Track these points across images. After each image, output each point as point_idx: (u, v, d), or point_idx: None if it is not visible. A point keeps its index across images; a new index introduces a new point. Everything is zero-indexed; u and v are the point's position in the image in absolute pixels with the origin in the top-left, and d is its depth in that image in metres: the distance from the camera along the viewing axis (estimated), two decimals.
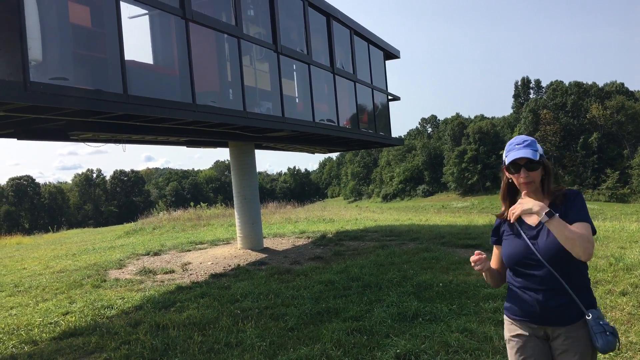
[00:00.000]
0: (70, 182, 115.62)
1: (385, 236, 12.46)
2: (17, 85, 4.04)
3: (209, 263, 10.09)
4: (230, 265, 9.70)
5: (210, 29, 6.83)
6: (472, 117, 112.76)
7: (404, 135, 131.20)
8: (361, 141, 14.36)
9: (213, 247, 12.37)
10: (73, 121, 5.99)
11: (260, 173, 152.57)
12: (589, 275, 2.57)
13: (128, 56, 5.45)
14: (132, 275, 9.60)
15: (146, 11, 6.64)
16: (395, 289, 6.91)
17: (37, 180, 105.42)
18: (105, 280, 9.16)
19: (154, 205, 59.85)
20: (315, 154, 18.03)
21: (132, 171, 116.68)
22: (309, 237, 12.87)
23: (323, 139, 12.52)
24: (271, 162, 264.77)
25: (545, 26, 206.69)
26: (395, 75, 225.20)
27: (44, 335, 6.17)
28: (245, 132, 8.76)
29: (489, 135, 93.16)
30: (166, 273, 9.55)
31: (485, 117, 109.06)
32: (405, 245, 10.78)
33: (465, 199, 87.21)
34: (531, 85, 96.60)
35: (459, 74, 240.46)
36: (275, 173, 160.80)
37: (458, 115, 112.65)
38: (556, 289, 2.43)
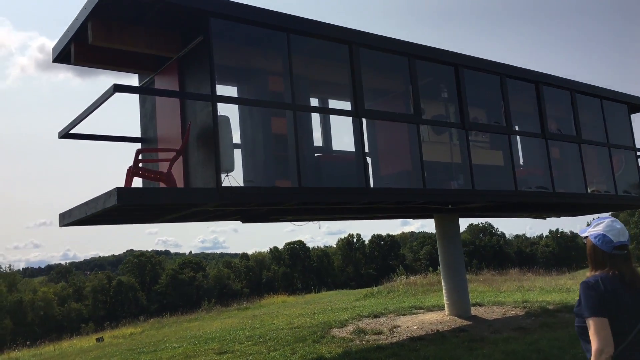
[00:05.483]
0: (335, 246, 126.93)
1: None
2: (213, 190, 5.71)
3: (415, 327, 10.73)
4: (432, 331, 10.19)
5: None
6: None
7: None
8: (598, 205, 13.48)
9: (427, 312, 12.91)
10: (269, 209, 7.62)
11: (518, 236, 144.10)
12: None
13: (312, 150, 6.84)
14: (348, 334, 10.80)
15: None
16: None
17: (307, 245, 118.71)
18: (324, 337, 10.53)
19: (409, 268, 61.88)
20: (547, 219, 17.29)
21: (388, 235, 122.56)
22: (525, 307, 12.42)
23: (538, 205, 12.27)
24: (531, 224, 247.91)
25: None
26: None
27: None
28: (433, 205, 9.42)
29: None
30: (375, 334, 10.51)
31: None
32: None
33: None
34: None
35: None
36: (535, 236, 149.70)
37: None
38: None
